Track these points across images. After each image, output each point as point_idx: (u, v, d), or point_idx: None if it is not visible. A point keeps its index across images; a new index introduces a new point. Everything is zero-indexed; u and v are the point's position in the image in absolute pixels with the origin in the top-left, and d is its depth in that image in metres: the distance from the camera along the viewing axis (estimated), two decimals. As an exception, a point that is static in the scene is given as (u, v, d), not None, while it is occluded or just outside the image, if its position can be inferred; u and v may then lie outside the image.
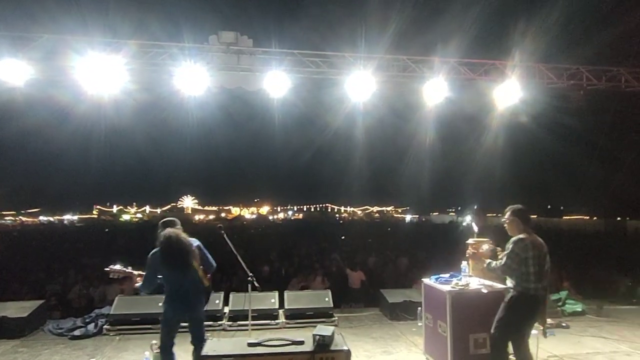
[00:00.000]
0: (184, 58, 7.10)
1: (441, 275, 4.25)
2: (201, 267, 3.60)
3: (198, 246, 3.63)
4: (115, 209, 79.97)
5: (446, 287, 3.93)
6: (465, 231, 4.96)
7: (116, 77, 6.78)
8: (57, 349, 4.86)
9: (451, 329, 3.79)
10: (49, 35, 6.68)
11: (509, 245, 3.42)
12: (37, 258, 13.07)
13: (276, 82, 7.10)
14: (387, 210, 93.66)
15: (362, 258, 11.25)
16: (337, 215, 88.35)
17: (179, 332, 3.55)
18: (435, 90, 7.18)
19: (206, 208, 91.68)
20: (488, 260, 3.71)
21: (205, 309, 5.65)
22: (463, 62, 7.50)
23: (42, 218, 56.48)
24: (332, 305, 6.03)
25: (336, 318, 5.94)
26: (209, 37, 7.16)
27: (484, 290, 3.88)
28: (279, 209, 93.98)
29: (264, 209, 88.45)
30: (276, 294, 6.04)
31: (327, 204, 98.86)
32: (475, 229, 4.49)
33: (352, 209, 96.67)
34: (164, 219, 3.74)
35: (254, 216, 75.64)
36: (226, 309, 5.86)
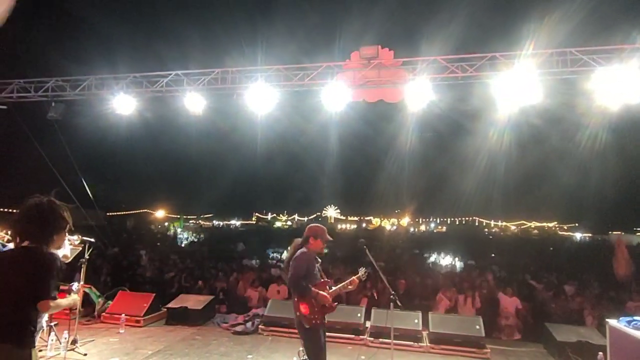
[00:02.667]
0: (327, 76, 7.50)
1: (636, 319, 3.35)
2: None
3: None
4: (269, 216, 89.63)
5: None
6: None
7: (269, 99, 7.57)
8: (223, 342, 5.56)
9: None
10: (218, 69, 7.90)
11: None
12: (211, 256, 15.44)
13: (418, 92, 6.87)
14: (548, 226, 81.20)
15: (518, 281, 9.85)
16: (485, 229, 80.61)
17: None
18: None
19: (348, 218, 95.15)
20: None
21: (346, 321, 5.75)
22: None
23: (215, 222, 67.31)
24: (483, 335, 5.40)
25: (488, 350, 5.28)
26: (350, 54, 7.41)
27: None
28: (420, 220, 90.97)
29: (405, 221, 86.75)
30: (419, 314, 5.72)
31: (473, 217, 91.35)
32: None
33: (503, 223, 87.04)
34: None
35: (394, 227, 74.89)
36: (368, 324, 5.82)
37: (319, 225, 3.75)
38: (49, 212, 2.44)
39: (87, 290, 6.54)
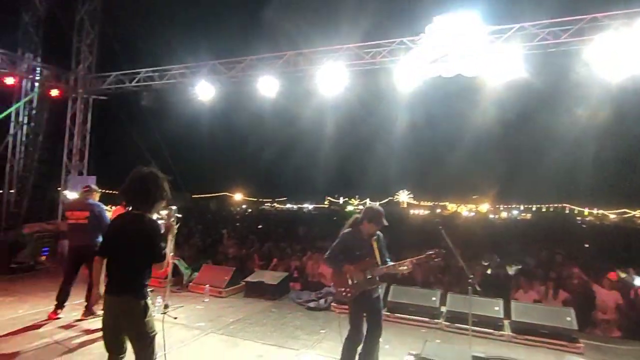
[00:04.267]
0: (400, 53, 7.19)
1: None
2: None
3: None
4: (341, 200, 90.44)
5: None
6: None
7: (340, 79, 7.49)
8: (297, 316, 5.75)
9: None
10: (290, 51, 7.98)
11: None
12: (282, 236, 16.04)
13: (502, 63, 6.31)
14: (657, 216, 70.89)
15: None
16: (578, 218, 72.83)
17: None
18: None
19: (421, 203, 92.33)
20: None
21: (420, 303, 5.61)
22: None
23: (288, 205, 69.92)
24: (576, 328, 4.89)
25: (582, 345, 4.79)
26: (424, 27, 7.01)
27: None
28: (501, 207, 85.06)
29: (484, 207, 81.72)
30: (500, 301, 5.36)
31: (564, 204, 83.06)
32: None
33: (600, 211, 77.91)
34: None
35: (472, 214, 71.03)
36: (443, 309, 5.61)
37: (378, 208, 3.74)
38: (152, 182, 2.73)
39: (176, 262, 7.19)
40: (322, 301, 6.21)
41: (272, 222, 28.26)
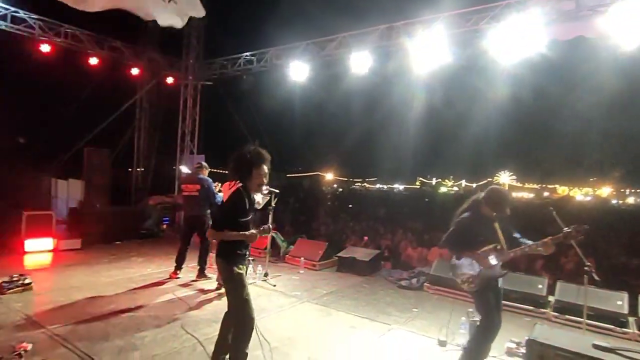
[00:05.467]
0: (508, 16, 6.48)
1: None
2: None
3: None
4: (434, 181, 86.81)
5: None
6: None
7: (437, 50, 7.05)
8: (389, 293, 5.76)
9: None
10: (382, 25, 7.74)
11: None
12: (372, 215, 16.07)
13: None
14: None
15: None
16: None
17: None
18: None
19: (525, 185, 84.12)
20: None
21: (525, 291, 5.18)
22: None
23: (378, 185, 69.50)
24: None
25: None
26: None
27: None
28: (627, 191, 73.34)
29: (604, 190, 71.33)
30: (625, 295, 4.69)
31: None
32: None
33: None
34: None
35: (588, 198, 62.63)
36: (551, 298, 5.12)
37: (503, 193, 3.29)
38: (238, 158, 2.99)
39: (274, 234, 7.68)
40: (414, 280, 6.12)
41: (363, 201, 28.42)
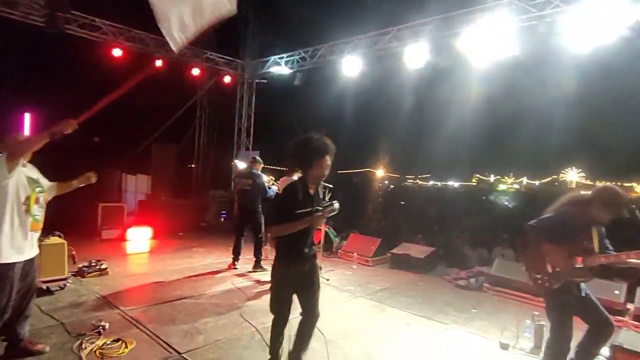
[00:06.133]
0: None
1: None
2: None
3: None
4: (492, 178, 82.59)
5: None
6: None
7: (498, 40, 6.67)
8: (445, 292, 5.58)
9: None
10: (438, 15, 7.47)
11: None
12: (426, 212, 15.66)
13: None
14: None
15: None
16: None
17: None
18: None
19: (597, 184, 77.39)
20: None
21: (600, 297, 4.78)
22: None
23: (432, 182, 67.46)
24: None
25: None
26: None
27: None
28: None
29: (691, 189, 63.55)
30: None
31: None
32: None
33: None
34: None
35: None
36: (630, 306, 4.67)
37: (620, 194, 2.85)
38: (300, 144, 2.74)
39: (326, 229, 7.74)
40: (472, 280, 5.87)
41: (415, 198, 27.80)
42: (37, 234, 2.99)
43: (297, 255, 2.77)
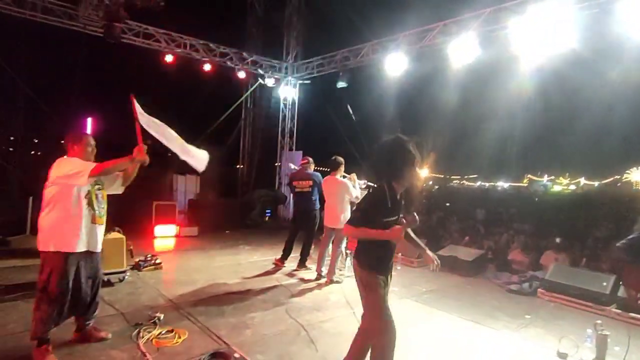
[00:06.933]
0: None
1: None
2: None
3: None
4: (545, 178, 77.91)
5: None
6: None
7: (554, 32, 6.26)
8: (496, 296, 5.35)
9: None
10: (489, 8, 7.16)
11: None
12: (473, 214, 15.02)
13: None
14: None
15: None
16: None
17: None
18: None
19: (665, 184, 70.47)
20: None
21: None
22: None
23: (479, 183, 64.75)
24: None
25: None
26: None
27: None
28: None
29: None
30: None
31: None
32: None
33: None
34: None
35: None
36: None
37: None
38: (390, 148, 2.52)
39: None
40: (525, 285, 5.58)
41: (462, 199, 26.82)
42: (102, 228, 3.20)
43: (386, 265, 2.63)
